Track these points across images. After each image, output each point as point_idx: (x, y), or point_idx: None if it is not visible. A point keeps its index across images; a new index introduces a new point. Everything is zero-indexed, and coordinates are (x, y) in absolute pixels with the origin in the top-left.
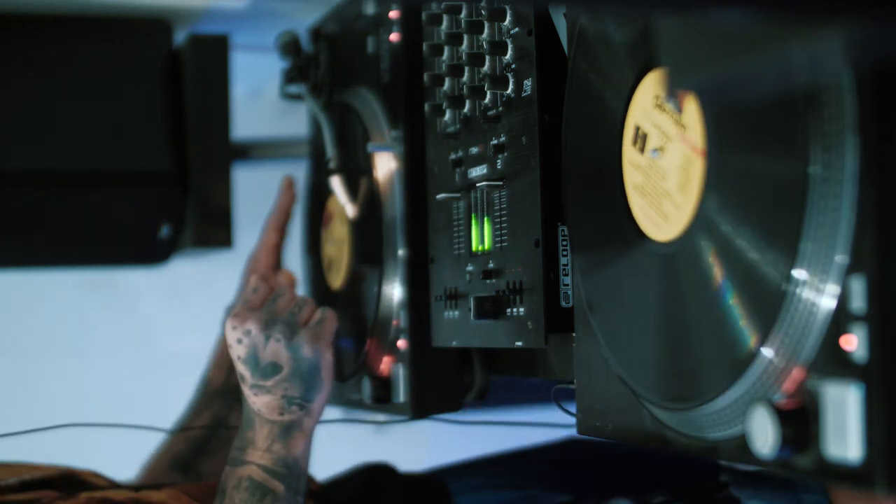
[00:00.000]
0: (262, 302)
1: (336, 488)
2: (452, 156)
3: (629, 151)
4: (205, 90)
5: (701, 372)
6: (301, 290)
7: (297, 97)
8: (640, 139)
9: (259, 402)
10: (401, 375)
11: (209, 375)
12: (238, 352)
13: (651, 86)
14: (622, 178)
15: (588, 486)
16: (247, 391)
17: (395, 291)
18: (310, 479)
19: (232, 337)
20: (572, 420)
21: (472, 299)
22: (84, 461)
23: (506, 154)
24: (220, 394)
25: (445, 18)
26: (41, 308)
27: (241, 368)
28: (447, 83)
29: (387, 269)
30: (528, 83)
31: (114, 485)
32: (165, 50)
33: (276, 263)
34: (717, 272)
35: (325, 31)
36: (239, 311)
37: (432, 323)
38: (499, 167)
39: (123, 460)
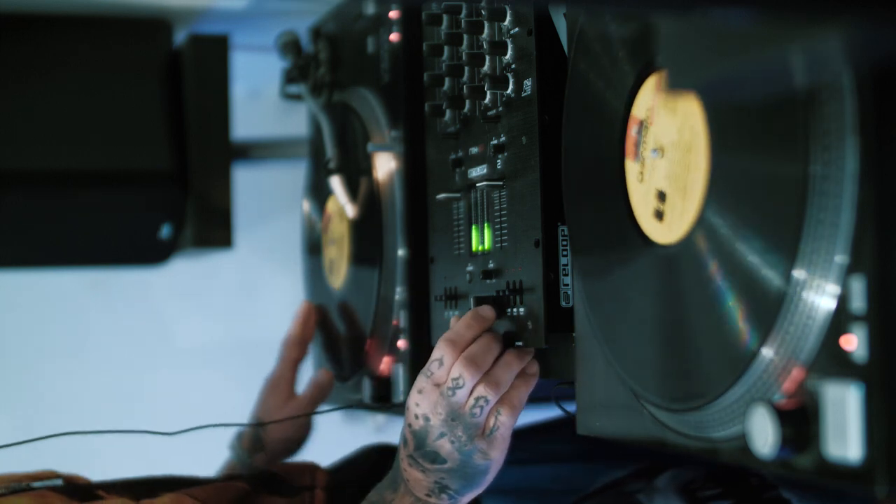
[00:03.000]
0: (444, 380)
1: (345, 472)
2: (452, 156)
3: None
4: (205, 90)
5: (701, 372)
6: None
7: (297, 97)
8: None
9: (410, 473)
10: (401, 375)
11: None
12: (411, 421)
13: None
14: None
15: (611, 460)
16: (403, 454)
17: (395, 291)
18: (319, 472)
19: (411, 409)
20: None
21: (472, 299)
22: (82, 466)
23: (506, 154)
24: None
25: (445, 18)
26: (41, 308)
27: (408, 434)
28: (447, 83)
29: (386, 269)
30: (528, 83)
31: (101, 486)
32: (165, 50)
33: (294, 381)
34: (718, 273)
35: (325, 31)
36: (424, 386)
37: (432, 323)
38: (499, 167)
39: (122, 464)
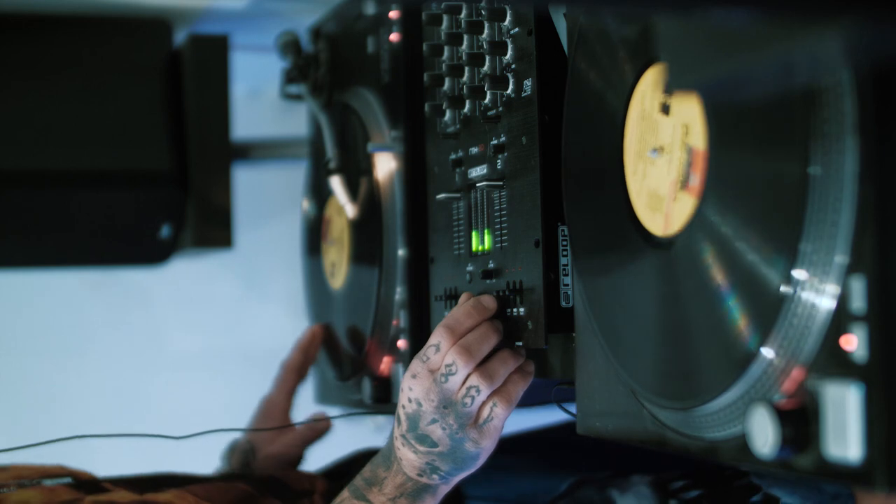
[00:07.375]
0: (439, 366)
1: (337, 476)
2: (452, 156)
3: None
4: (205, 90)
5: (701, 372)
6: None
7: (297, 97)
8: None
9: (403, 452)
10: (401, 375)
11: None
12: (405, 403)
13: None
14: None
15: (597, 465)
16: (396, 433)
17: (395, 291)
18: (317, 479)
19: (405, 392)
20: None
21: (462, 295)
22: (83, 462)
23: (506, 154)
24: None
25: (445, 18)
26: (42, 308)
27: (402, 415)
28: (447, 83)
29: (386, 269)
30: (528, 83)
31: (107, 480)
32: (165, 50)
33: (290, 408)
34: (718, 272)
35: (325, 31)
36: (419, 371)
37: (432, 323)
38: (499, 167)
39: (122, 462)
